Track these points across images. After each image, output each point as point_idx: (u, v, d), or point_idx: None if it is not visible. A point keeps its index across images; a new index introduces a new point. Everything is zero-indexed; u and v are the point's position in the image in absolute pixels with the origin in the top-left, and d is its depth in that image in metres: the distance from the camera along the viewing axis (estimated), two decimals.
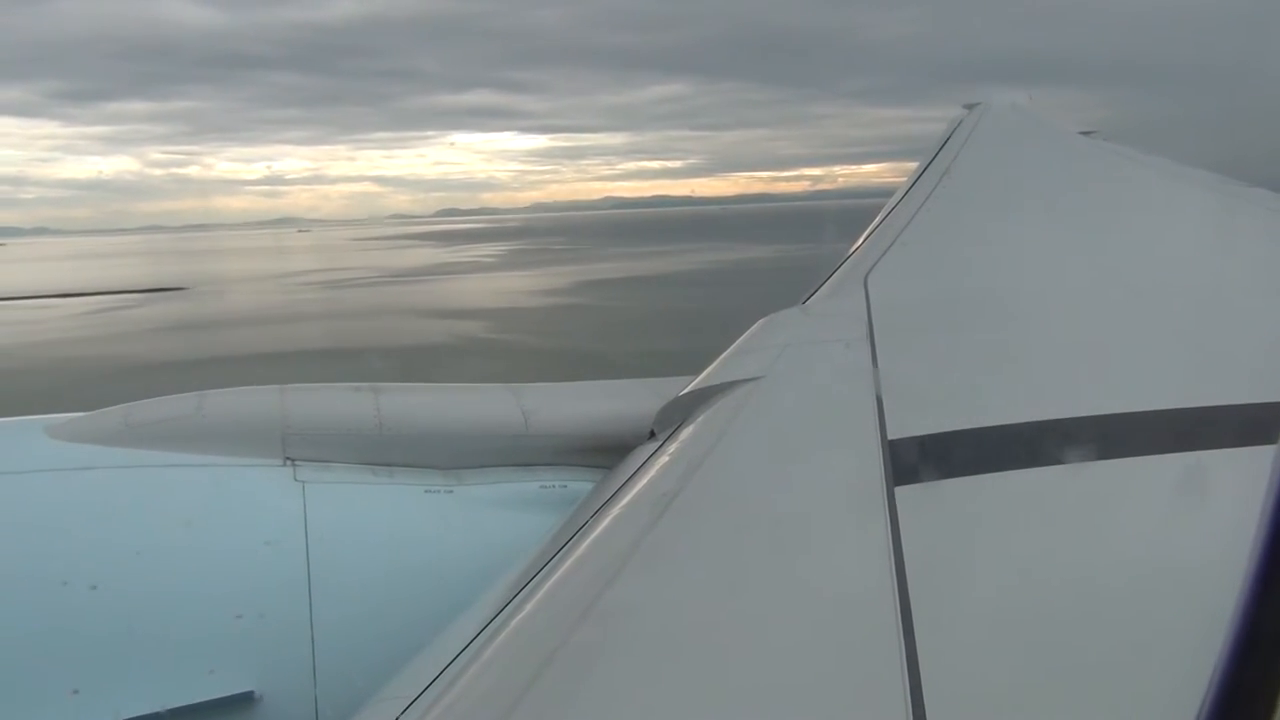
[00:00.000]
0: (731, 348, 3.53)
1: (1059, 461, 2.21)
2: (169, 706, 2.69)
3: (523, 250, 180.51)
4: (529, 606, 2.04)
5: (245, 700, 2.78)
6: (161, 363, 49.31)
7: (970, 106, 7.93)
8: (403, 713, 1.91)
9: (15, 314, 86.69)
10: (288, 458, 3.26)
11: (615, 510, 2.41)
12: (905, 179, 6.27)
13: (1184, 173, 6.05)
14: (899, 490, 2.08)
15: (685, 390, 3.17)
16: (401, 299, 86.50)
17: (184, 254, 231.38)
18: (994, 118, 7.55)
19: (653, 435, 3.19)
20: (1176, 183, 5.94)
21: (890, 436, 2.33)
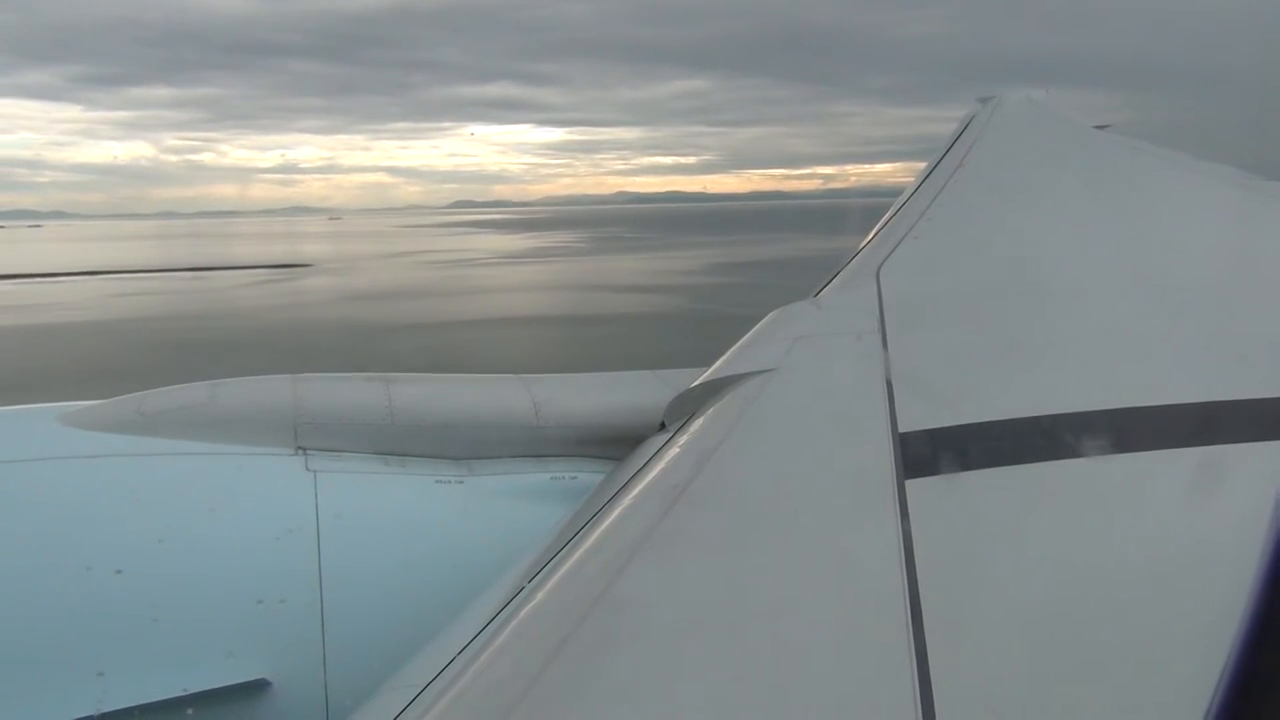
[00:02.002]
0: (743, 340, 3.57)
1: (1071, 456, 2.22)
2: (190, 690, 2.77)
3: (602, 238, 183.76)
4: (538, 597, 2.06)
5: (259, 687, 2.86)
6: (381, 326, 53.30)
7: (984, 100, 7.87)
8: (411, 702, 1.94)
9: (182, 284, 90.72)
10: (299, 447, 3.31)
11: (626, 501, 2.43)
12: (918, 173, 6.30)
13: (1200, 166, 5.98)
14: (910, 483, 2.09)
15: (696, 382, 3.21)
16: (549, 277, 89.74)
17: (257, 237, 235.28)
18: (1008, 111, 7.51)
19: (663, 427, 3.23)
20: (1193, 175, 5.85)
21: (901, 429, 2.35)
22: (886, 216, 5.09)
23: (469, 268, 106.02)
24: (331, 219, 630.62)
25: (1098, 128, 7.45)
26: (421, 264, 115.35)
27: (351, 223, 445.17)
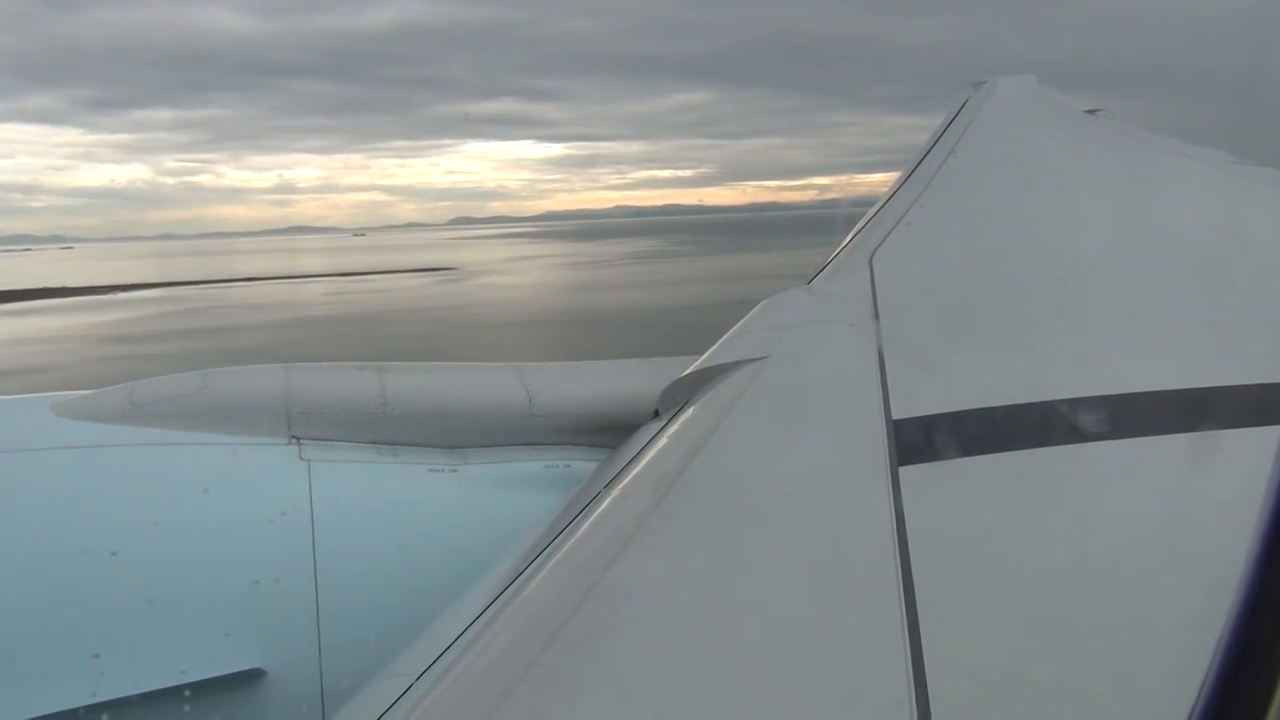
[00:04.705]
0: (735, 327, 3.57)
1: (1064, 442, 2.22)
2: (187, 680, 2.80)
3: (685, 242, 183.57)
4: (532, 585, 2.07)
5: (254, 676, 2.88)
6: (653, 310, 53.30)
7: (977, 85, 7.88)
8: (406, 690, 1.95)
9: (369, 285, 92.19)
10: (293, 436, 3.32)
11: (618, 490, 2.45)
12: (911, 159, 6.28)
13: (1192, 150, 5.96)
14: (903, 470, 2.08)
15: (689, 370, 3.21)
16: (710, 271, 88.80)
17: (318, 251, 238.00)
18: (1001, 95, 7.52)
19: (656, 415, 3.24)
20: (1185, 159, 5.84)
21: (895, 416, 2.35)
22: (879, 203, 5.17)
23: (609, 268, 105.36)
24: (355, 235, 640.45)
25: (1089, 112, 7.46)
26: (555, 266, 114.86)
27: (379, 238, 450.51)
